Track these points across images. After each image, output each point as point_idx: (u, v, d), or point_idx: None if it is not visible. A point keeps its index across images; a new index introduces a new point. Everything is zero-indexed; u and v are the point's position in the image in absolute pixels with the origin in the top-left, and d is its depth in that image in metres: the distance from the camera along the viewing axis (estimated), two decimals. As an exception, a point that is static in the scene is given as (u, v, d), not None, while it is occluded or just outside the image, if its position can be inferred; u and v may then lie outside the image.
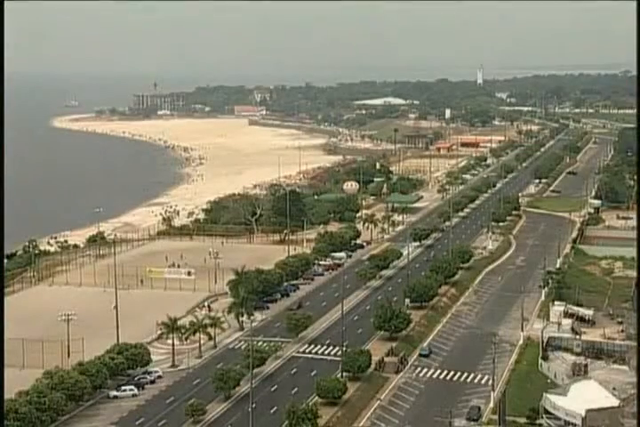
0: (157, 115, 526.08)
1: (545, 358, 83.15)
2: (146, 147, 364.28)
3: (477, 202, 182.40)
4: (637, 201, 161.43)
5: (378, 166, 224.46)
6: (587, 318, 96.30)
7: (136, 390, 75.61)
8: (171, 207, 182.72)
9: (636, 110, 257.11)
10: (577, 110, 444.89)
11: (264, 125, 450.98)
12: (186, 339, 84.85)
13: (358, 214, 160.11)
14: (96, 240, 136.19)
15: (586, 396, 68.25)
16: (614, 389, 71.21)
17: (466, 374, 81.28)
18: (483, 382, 78.83)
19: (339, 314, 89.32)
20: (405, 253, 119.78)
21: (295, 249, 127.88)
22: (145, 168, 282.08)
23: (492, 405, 72.30)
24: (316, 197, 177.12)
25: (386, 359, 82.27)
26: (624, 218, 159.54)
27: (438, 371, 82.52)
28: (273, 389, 76.36)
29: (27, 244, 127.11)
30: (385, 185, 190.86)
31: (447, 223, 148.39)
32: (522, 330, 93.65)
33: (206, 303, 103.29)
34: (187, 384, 78.04)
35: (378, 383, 78.02)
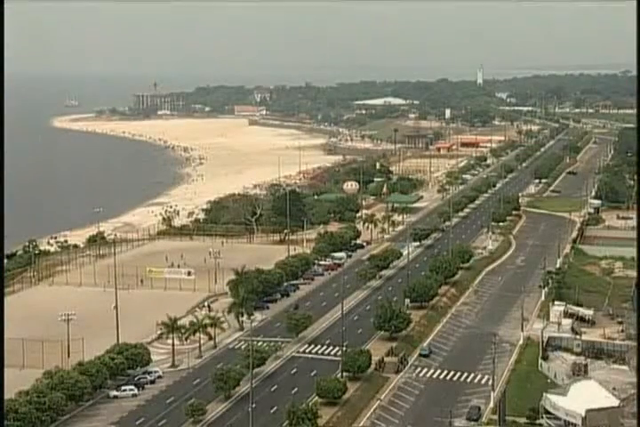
0: (157, 115, 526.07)
1: (545, 358, 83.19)
2: (146, 147, 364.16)
3: (477, 202, 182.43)
4: (637, 201, 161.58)
5: (378, 166, 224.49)
6: (587, 318, 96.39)
7: (136, 390, 75.67)
8: (171, 207, 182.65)
9: (636, 110, 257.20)
10: (577, 110, 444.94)
11: (264, 125, 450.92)
12: (186, 339, 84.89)
13: (358, 214, 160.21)
14: (96, 240, 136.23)
15: (586, 396, 68.27)
16: (614, 389, 71.23)
17: (466, 374, 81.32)
18: (483, 382, 78.86)
19: (339, 314, 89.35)
20: (405, 253, 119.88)
21: (295, 249, 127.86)
22: (145, 168, 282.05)
23: (491, 405, 72.33)
24: (315, 197, 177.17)
25: (386, 359, 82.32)
26: (624, 218, 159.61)
27: (438, 371, 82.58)
28: (273, 389, 76.39)
29: (27, 244, 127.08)
30: (385, 185, 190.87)
31: (447, 223, 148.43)
32: (522, 330, 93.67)
33: (206, 303, 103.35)
34: (187, 384, 78.09)
35: (378, 383, 78.08)
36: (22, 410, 63.82)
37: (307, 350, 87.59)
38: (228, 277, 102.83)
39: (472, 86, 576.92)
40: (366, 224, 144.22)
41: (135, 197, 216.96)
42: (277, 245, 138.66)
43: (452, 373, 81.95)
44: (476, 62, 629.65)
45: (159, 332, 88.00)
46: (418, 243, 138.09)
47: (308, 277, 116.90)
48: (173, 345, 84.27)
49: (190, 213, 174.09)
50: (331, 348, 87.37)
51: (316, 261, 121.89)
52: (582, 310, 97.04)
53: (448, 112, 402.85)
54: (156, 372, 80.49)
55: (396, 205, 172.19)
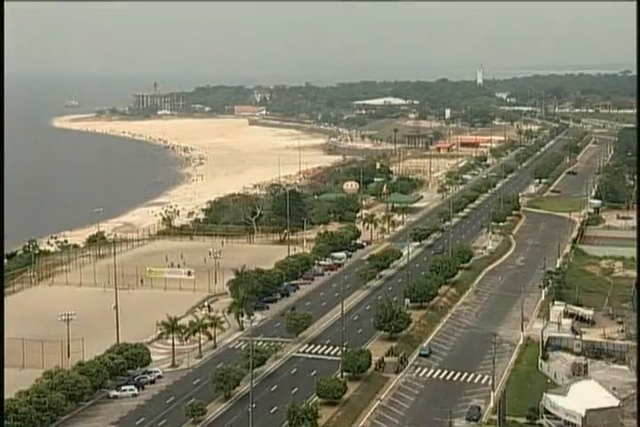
0: (157, 115, 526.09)
1: (545, 358, 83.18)
2: (146, 147, 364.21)
3: (477, 202, 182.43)
4: (637, 201, 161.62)
5: (378, 166, 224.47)
6: (587, 318, 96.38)
7: (136, 390, 75.65)
8: (170, 207, 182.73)
9: (636, 110, 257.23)
10: (577, 110, 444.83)
11: (264, 125, 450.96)
12: (186, 339, 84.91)
13: (358, 214, 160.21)
14: (96, 240, 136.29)
15: (586, 396, 68.25)
16: (614, 389, 71.22)
17: (466, 374, 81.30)
18: (483, 382, 78.85)
19: (339, 314, 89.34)
20: (405, 253, 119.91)
21: (295, 249, 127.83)
22: (145, 168, 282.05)
23: (491, 405, 72.32)
24: (316, 197, 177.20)
25: (386, 359, 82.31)
26: (624, 218, 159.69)
27: (438, 371, 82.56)
28: (273, 389, 76.36)
29: (27, 244, 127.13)
30: (385, 185, 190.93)
31: (447, 223, 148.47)
32: (522, 330, 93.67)
33: (206, 303, 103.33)
34: (187, 384, 78.07)
35: (378, 383, 78.05)
36: (22, 410, 63.74)
37: (307, 350, 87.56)
38: (228, 277, 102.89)
39: (472, 86, 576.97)
40: (366, 224, 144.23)
41: (135, 197, 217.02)
42: (277, 245, 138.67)
43: (451, 373, 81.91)
44: (476, 62, 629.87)
45: (159, 332, 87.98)
46: (418, 243, 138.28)
47: (308, 277, 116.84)
48: (173, 345, 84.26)
49: (190, 213, 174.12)
50: (331, 348, 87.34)
51: (315, 261, 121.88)
52: (582, 310, 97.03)
53: (448, 112, 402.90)
54: (155, 372, 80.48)
55: (396, 205, 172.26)
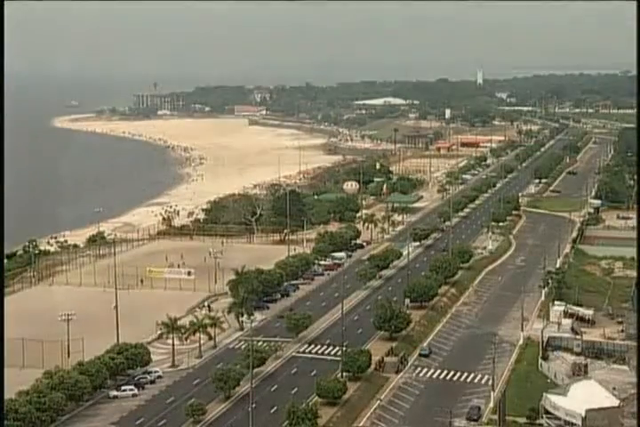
0: (157, 115, 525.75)
1: (545, 358, 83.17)
2: (146, 147, 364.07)
3: (477, 202, 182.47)
4: (637, 201, 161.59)
5: (378, 166, 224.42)
6: (587, 318, 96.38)
7: (136, 390, 75.67)
8: (170, 207, 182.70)
9: (636, 110, 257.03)
10: (577, 110, 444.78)
11: (264, 125, 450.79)
12: (186, 339, 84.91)
13: (358, 214, 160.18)
14: (96, 240, 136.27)
15: (586, 396, 68.25)
16: (614, 389, 71.22)
17: (466, 374, 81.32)
18: (483, 382, 78.86)
19: (339, 314, 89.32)
20: (405, 253, 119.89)
21: (295, 249, 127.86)
22: (145, 168, 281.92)
23: (491, 405, 72.34)
24: (316, 197, 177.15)
25: (386, 359, 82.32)
26: (624, 218, 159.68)
27: (438, 371, 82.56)
28: (273, 389, 76.35)
29: (27, 244, 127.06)
30: (385, 185, 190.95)
31: (447, 223, 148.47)
32: (522, 330, 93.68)
33: (206, 303, 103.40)
34: (187, 384, 78.09)
35: (378, 383, 78.07)
36: (22, 410, 63.78)
37: (307, 350, 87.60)
38: (228, 277, 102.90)
39: (472, 86, 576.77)
40: (366, 224, 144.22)
41: (135, 196, 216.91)
42: (277, 245, 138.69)
43: (452, 373, 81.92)
44: (476, 62, 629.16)
45: (159, 332, 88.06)
46: (418, 243, 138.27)
47: (308, 278, 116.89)
48: (173, 345, 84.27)
49: (190, 213, 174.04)
50: (331, 348, 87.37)
51: (316, 261, 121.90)
52: (582, 310, 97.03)
53: (448, 112, 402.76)
54: (156, 372, 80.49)
55: (395, 205, 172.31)
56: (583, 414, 65.87)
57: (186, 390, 76.17)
